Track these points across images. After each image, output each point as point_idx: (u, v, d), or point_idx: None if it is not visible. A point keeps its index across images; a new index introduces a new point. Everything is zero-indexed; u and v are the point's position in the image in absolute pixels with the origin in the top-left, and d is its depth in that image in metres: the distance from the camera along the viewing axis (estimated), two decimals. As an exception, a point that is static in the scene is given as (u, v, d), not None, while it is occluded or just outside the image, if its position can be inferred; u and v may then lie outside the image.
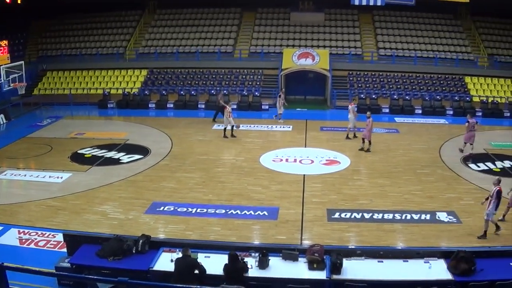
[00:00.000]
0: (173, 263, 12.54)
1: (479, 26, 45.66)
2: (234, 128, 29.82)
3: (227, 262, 12.37)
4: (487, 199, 17.61)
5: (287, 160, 26.07)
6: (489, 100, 38.60)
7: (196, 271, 12.22)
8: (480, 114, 36.73)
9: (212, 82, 41.37)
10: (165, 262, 13.24)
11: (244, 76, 42.03)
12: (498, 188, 17.16)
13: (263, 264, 13.01)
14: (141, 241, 13.87)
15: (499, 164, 26.19)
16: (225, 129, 29.75)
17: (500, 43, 44.19)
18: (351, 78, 41.36)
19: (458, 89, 40.51)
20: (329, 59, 40.34)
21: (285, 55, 40.66)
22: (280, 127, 32.69)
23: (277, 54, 42.29)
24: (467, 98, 38.68)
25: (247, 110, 37.45)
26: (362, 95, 38.33)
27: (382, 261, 13.62)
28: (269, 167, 24.94)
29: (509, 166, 25.95)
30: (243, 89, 39.82)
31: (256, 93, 39.25)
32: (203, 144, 28.87)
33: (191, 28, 46.00)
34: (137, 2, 47.41)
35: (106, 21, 47.68)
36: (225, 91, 37.97)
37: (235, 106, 37.28)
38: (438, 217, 19.45)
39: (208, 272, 12.35)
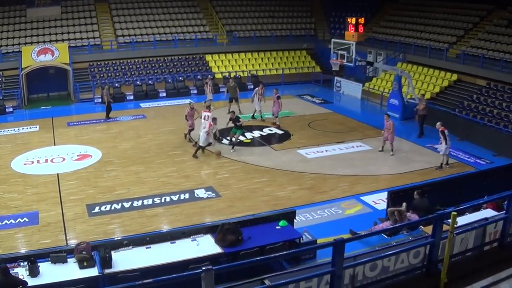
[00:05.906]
0: None
1: (216, 5, 47.46)
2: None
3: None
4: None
5: (38, 161, 24.70)
6: (232, 75, 40.18)
7: None
8: (224, 90, 37.93)
9: None
10: None
11: (-16, 80, 38.79)
12: (442, 129, 22.12)
13: (33, 271, 12.36)
14: None
15: (248, 135, 27.61)
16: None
17: (238, 19, 46.54)
18: (92, 69, 40.27)
19: (200, 68, 41.71)
20: (69, 52, 38.84)
21: (24, 53, 38.34)
22: (28, 128, 30.58)
23: (17, 53, 39.66)
24: (210, 76, 39.73)
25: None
26: (105, 85, 37.49)
27: (150, 247, 13.62)
28: (21, 171, 23.47)
29: (259, 135, 27.98)
30: (-16, 95, 36.62)
31: (-1, 97, 36.40)
32: None
33: None
34: None
35: None
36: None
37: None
38: (197, 195, 20.12)
39: None
